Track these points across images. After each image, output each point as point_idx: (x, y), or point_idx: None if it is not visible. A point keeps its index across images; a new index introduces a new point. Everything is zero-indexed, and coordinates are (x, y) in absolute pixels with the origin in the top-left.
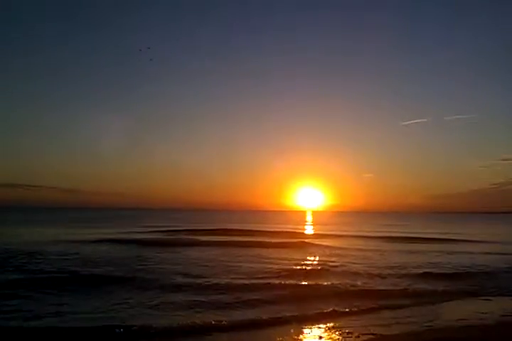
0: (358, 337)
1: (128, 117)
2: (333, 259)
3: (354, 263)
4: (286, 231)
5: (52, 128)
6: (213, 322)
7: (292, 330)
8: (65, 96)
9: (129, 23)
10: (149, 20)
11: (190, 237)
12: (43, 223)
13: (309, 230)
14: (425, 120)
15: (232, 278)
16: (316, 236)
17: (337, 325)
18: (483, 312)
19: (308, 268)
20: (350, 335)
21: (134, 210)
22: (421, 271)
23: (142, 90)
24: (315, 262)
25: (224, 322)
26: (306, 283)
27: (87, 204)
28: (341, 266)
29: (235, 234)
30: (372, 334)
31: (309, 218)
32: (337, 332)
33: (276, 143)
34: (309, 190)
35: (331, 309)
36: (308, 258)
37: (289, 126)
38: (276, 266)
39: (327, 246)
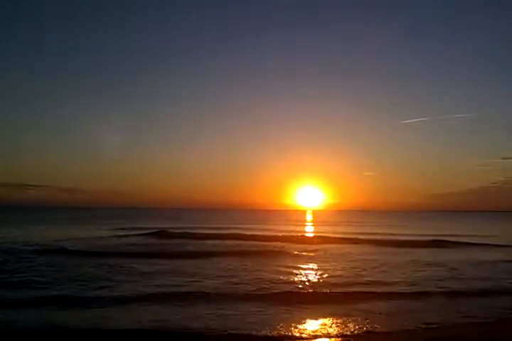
0: (358, 335)
1: (128, 116)
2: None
3: None
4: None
5: (53, 127)
6: None
7: (290, 329)
8: (65, 95)
9: (129, 23)
10: (149, 20)
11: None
12: (20, 223)
13: (311, 232)
14: (425, 119)
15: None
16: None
17: (336, 322)
18: (482, 310)
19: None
20: (349, 332)
21: (135, 209)
22: None
23: (142, 90)
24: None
25: None
26: None
27: (88, 203)
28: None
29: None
30: (372, 332)
31: (310, 217)
32: (336, 329)
33: (276, 142)
34: (309, 188)
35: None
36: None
37: (290, 124)
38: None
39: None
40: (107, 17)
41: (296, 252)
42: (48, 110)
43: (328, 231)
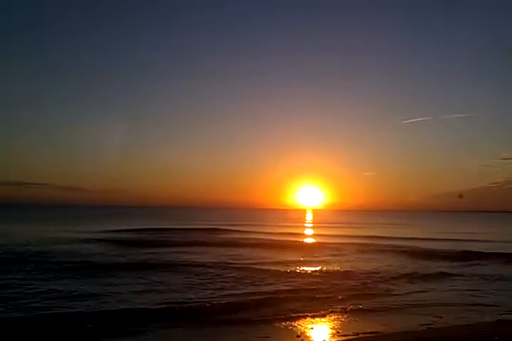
0: (357, 334)
1: (128, 116)
2: None
3: None
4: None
5: (53, 126)
6: None
7: (289, 327)
8: (65, 95)
9: (129, 23)
10: (149, 20)
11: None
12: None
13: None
14: (426, 118)
15: None
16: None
17: (336, 322)
18: (482, 311)
19: None
20: (349, 333)
21: (133, 208)
22: None
23: (142, 89)
24: None
25: None
26: None
27: (89, 201)
28: None
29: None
30: (372, 332)
31: (310, 217)
32: (335, 330)
33: (277, 142)
34: (310, 188)
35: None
36: None
37: (290, 124)
38: None
39: None
40: (106, 17)
41: (266, 268)
42: (48, 109)
43: (337, 234)
